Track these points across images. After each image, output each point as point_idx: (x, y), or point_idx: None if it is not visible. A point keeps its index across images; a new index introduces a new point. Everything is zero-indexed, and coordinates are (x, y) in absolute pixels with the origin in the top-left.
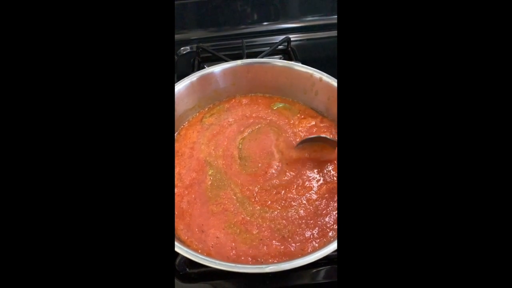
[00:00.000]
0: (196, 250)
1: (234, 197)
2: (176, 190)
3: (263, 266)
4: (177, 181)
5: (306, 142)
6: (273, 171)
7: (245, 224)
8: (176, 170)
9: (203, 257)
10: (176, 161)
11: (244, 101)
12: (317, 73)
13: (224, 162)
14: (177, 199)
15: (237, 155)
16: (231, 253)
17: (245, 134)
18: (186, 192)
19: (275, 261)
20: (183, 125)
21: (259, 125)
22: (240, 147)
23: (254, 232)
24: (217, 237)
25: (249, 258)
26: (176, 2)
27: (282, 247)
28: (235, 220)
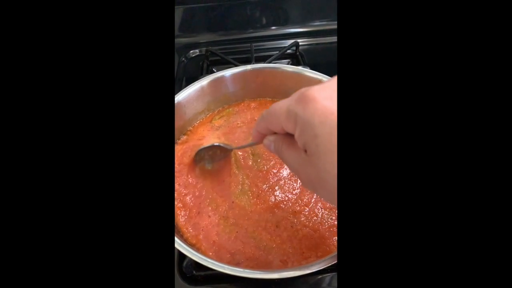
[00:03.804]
0: (186, 231)
1: (240, 186)
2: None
3: (271, 272)
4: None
5: (201, 153)
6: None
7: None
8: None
9: (210, 260)
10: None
11: (253, 105)
12: (326, 79)
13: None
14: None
15: (250, 151)
16: (215, 239)
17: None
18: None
19: (249, 264)
20: (195, 124)
21: None
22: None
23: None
24: (209, 217)
25: (228, 254)
26: (185, 7)
27: (258, 254)
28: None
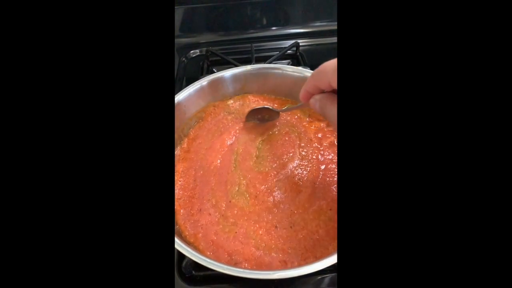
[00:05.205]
0: (185, 229)
1: (237, 187)
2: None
3: (271, 272)
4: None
5: (252, 114)
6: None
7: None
8: None
9: (210, 261)
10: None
11: (255, 99)
12: None
13: (241, 157)
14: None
15: (254, 154)
16: (214, 238)
17: (265, 136)
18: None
19: (247, 265)
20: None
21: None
22: (259, 147)
23: (238, 225)
24: (210, 215)
25: (225, 254)
26: (185, 7)
27: (257, 254)
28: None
